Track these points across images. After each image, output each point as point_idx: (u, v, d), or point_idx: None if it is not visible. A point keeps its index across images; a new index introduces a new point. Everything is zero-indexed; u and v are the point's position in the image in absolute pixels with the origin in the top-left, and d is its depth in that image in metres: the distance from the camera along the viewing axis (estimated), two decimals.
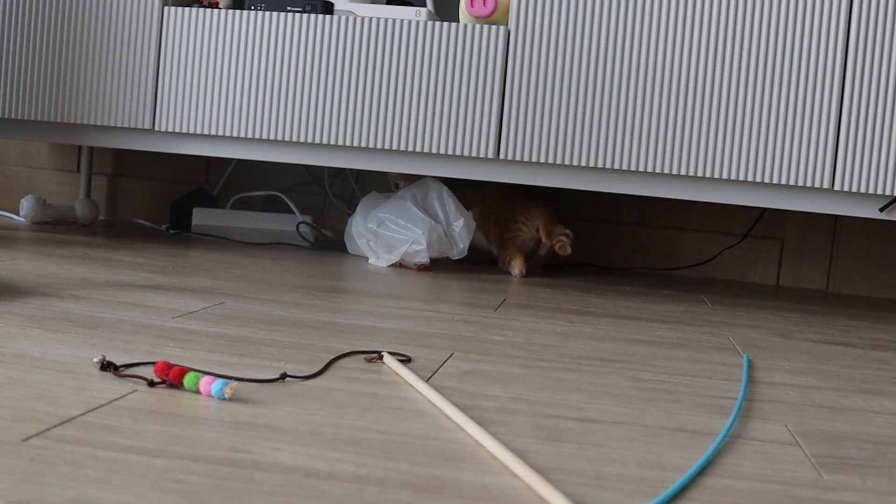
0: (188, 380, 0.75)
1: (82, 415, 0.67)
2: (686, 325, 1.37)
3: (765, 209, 2.09)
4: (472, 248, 1.88)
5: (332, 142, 1.68)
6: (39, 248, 1.64)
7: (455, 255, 1.80)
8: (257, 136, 1.70)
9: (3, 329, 0.93)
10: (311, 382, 0.83)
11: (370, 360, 0.93)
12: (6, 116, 1.78)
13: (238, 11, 1.70)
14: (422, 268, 1.77)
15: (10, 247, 1.61)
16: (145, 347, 0.91)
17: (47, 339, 0.90)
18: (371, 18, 1.66)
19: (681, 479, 0.63)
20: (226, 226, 2.06)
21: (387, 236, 1.77)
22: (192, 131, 1.72)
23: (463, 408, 0.76)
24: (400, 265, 1.79)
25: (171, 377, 0.76)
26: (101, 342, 0.91)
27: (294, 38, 1.68)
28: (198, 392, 0.75)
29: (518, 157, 1.63)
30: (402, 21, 1.65)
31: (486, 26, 1.63)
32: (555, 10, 1.61)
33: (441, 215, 1.79)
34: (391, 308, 1.29)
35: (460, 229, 1.78)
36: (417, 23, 1.65)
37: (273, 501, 0.54)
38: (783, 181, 1.56)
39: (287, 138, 1.69)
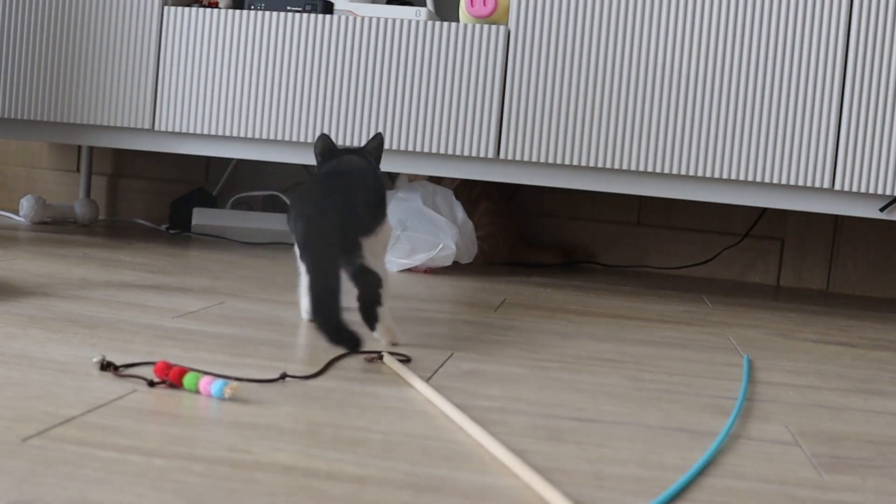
0: (188, 380, 0.75)
1: (82, 415, 0.67)
2: (686, 325, 1.37)
3: (765, 209, 2.09)
4: None
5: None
6: (39, 248, 1.64)
7: (466, 260, 1.81)
8: (257, 136, 1.70)
9: (3, 329, 0.93)
10: (311, 382, 0.83)
11: (370, 360, 0.93)
12: (6, 116, 1.78)
13: (238, 11, 1.70)
14: (428, 271, 1.76)
15: (10, 247, 1.61)
16: (145, 347, 0.91)
17: (47, 339, 0.90)
18: (371, 18, 1.66)
19: (681, 479, 0.63)
20: (226, 226, 2.06)
21: (413, 239, 1.72)
22: (192, 131, 1.72)
23: (463, 408, 0.76)
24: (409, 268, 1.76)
25: (171, 377, 0.76)
26: (101, 342, 0.91)
27: (294, 37, 1.68)
28: (198, 392, 0.75)
29: (518, 157, 1.63)
30: (402, 21, 1.65)
31: (486, 26, 1.63)
32: (555, 10, 1.61)
33: (452, 220, 1.77)
34: (391, 308, 1.28)
35: (470, 233, 1.79)
36: (417, 23, 1.65)
37: (273, 501, 0.54)
38: (783, 181, 1.56)
39: (287, 138, 1.69)
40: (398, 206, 1.76)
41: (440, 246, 1.70)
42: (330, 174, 1.15)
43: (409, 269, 1.75)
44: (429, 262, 1.72)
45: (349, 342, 0.92)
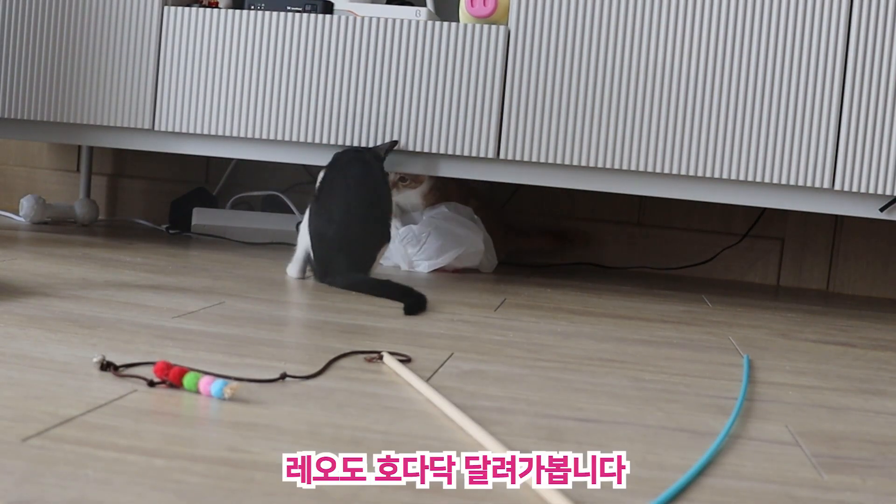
0: (188, 380, 0.75)
1: (82, 415, 0.67)
2: (686, 325, 1.37)
3: (765, 209, 2.09)
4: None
5: (332, 142, 1.67)
6: (39, 248, 1.64)
7: (487, 269, 1.85)
8: (257, 136, 1.70)
9: (3, 329, 0.93)
10: (311, 382, 0.83)
11: (370, 360, 0.93)
12: (6, 116, 1.78)
13: (238, 11, 1.70)
14: (456, 271, 1.79)
15: (10, 247, 1.61)
16: (145, 347, 0.91)
17: (47, 339, 0.90)
18: (371, 18, 1.66)
19: (681, 479, 0.63)
20: (226, 226, 2.06)
21: (441, 237, 1.75)
22: (192, 131, 1.72)
23: (463, 408, 0.76)
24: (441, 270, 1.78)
25: (171, 377, 0.76)
26: (101, 342, 0.91)
27: (294, 38, 1.68)
28: (198, 392, 0.75)
29: (518, 157, 1.62)
30: (402, 21, 1.65)
31: (486, 26, 1.63)
32: (555, 10, 1.61)
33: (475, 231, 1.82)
34: (391, 308, 1.28)
35: (491, 248, 1.85)
36: (417, 23, 1.65)
37: (273, 501, 0.54)
38: (783, 181, 1.56)
39: (287, 138, 1.69)
40: (426, 218, 1.81)
41: (469, 242, 1.75)
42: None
43: (439, 270, 1.76)
44: (456, 260, 1.74)
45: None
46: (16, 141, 2.37)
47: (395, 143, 1.63)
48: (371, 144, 1.66)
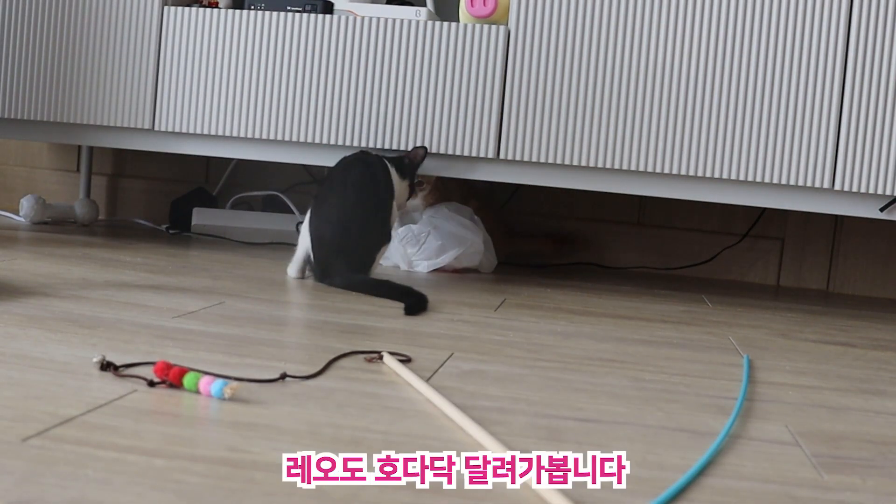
0: (188, 380, 0.75)
1: (82, 415, 0.67)
2: (686, 325, 1.37)
3: (765, 209, 2.09)
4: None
5: (332, 142, 1.67)
6: (39, 248, 1.64)
7: (487, 269, 1.84)
8: (257, 136, 1.70)
9: (3, 329, 0.93)
10: (311, 382, 0.83)
11: (370, 360, 0.93)
12: (6, 116, 1.78)
13: (238, 11, 1.70)
14: (456, 272, 1.79)
15: (10, 247, 1.61)
16: (145, 347, 0.91)
17: (47, 339, 0.90)
18: (371, 18, 1.66)
19: (681, 479, 0.63)
20: (226, 226, 2.06)
21: (441, 237, 1.75)
22: (192, 131, 1.72)
23: (463, 408, 0.76)
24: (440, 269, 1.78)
25: (171, 377, 0.76)
26: (101, 342, 0.91)
27: (294, 38, 1.68)
28: (198, 392, 0.75)
29: (518, 157, 1.62)
30: (402, 21, 1.65)
31: (486, 26, 1.63)
32: (555, 10, 1.61)
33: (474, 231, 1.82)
34: (391, 308, 1.28)
35: (491, 247, 1.84)
36: (417, 23, 1.65)
37: (273, 501, 0.54)
38: (783, 181, 1.56)
39: (287, 138, 1.69)
40: (425, 218, 1.80)
41: (469, 242, 1.75)
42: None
43: (439, 270, 1.76)
44: (456, 260, 1.74)
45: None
46: (16, 141, 2.37)
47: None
48: (370, 145, 1.66)
